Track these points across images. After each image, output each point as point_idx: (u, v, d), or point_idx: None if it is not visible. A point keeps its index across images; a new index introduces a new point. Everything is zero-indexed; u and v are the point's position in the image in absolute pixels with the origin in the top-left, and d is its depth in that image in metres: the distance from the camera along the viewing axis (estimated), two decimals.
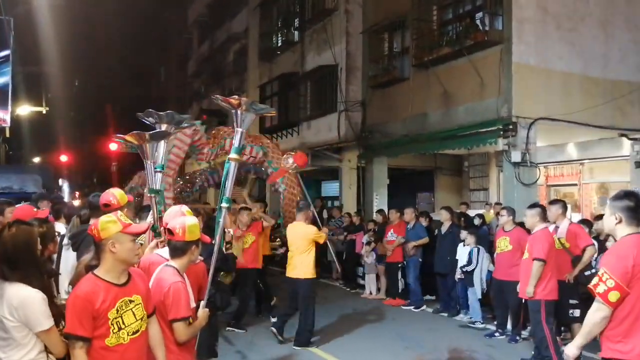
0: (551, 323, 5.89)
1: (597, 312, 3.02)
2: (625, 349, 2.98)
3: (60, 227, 5.32)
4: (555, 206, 6.57)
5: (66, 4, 24.77)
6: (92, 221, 4.44)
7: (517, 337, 7.12)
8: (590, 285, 3.07)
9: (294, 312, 7.11)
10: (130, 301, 2.82)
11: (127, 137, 4.31)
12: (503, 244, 7.12)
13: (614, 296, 2.95)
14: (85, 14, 31.66)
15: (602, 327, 3.04)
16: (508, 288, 7.06)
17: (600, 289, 2.97)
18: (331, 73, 15.09)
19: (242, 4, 21.63)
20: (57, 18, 25.58)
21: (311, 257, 6.90)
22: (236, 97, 3.95)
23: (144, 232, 3.21)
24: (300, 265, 6.85)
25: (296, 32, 17.34)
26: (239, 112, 3.91)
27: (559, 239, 6.34)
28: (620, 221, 3.12)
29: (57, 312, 2.81)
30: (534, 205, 6.24)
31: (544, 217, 6.06)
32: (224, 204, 3.88)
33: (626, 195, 3.19)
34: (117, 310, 2.75)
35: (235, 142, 3.96)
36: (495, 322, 7.56)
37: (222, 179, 4.05)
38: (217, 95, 3.99)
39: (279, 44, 18.32)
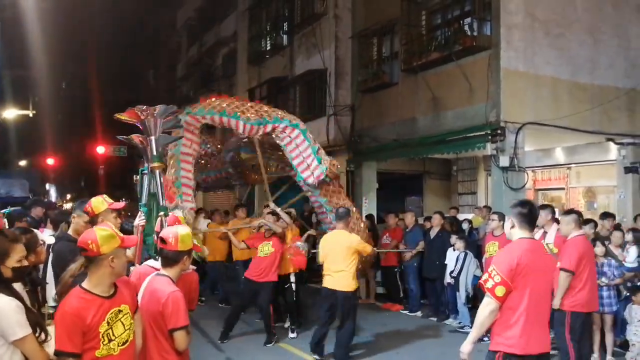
0: (576, 337, 5.53)
1: (487, 306, 3.34)
2: (509, 342, 3.32)
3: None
4: (544, 211, 6.53)
5: (55, 8, 24.62)
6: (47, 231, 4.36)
7: None
8: (481, 281, 3.37)
9: (327, 326, 6.57)
10: (119, 311, 2.81)
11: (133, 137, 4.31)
12: (492, 248, 7.12)
13: (500, 291, 3.27)
14: (73, 17, 31.45)
15: (492, 320, 3.35)
16: None
17: (489, 284, 3.30)
18: (320, 77, 15.08)
19: (231, 7, 21.58)
20: (45, 21, 25.40)
21: (353, 268, 6.38)
22: (137, 108, 3.99)
23: (135, 245, 3.22)
24: (341, 276, 6.29)
25: (285, 36, 17.33)
26: (146, 122, 3.96)
27: (547, 244, 6.31)
28: (513, 226, 3.50)
29: (35, 321, 2.75)
30: (570, 212, 5.96)
31: (580, 224, 5.75)
32: (161, 213, 3.92)
33: (520, 203, 3.56)
34: (108, 323, 2.74)
35: (153, 150, 4.02)
36: None
37: (159, 188, 4.10)
38: (117, 115, 4.16)
39: (268, 48, 18.30)
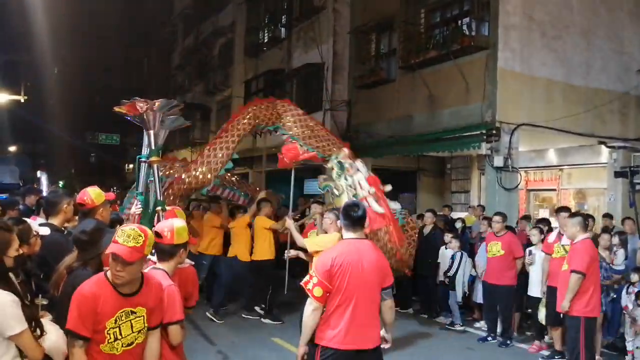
0: (590, 344, 5.49)
1: (308, 306, 3.43)
2: (326, 336, 3.41)
3: (38, 222, 5.20)
4: (564, 214, 6.45)
5: None
6: (51, 219, 4.24)
7: (508, 342, 7.20)
8: (302, 282, 3.50)
9: None
10: (132, 312, 2.77)
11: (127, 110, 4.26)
12: (495, 248, 7.22)
13: (318, 291, 3.39)
14: (67, 2, 31.13)
15: (315, 319, 3.42)
16: (499, 292, 7.17)
17: (310, 285, 3.43)
18: (317, 71, 15.10)
19: None
20: (38, 6, 25.15)
21: None
22: (136, 101, 4.01)
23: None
24: None
25: (283, 29, 17.32)
26: (145, 116, 3.98)
27: (563, 245, 6.26)
28: (341, 227, 3.63)
29: (31, 315, 2.71)
30: (575, 214, 5.90)
31: (585, 227, 5.69)
32: (158, 208, 3.93)
33: (344, 206, 3.67)
34: (115, 321, 2.72)
35: (152, 145, 4.06)
36: (486, 327, 7.63)
37: (157, 182, 4.10)
38: (116, 108, 4.11)
39: (266, 40, 18.28)
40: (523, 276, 7.41)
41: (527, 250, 7.20)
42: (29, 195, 7.82)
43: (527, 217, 10.33)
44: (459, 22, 11.12)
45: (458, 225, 9.77)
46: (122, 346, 2.74)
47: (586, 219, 5.95)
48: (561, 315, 5.63)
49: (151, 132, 4.03)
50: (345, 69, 14.52)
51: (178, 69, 28.62)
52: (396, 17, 12.43)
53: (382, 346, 3.62)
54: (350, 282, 3.39)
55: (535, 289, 6.99)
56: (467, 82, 10.64)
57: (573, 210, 6.89)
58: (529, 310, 8.03)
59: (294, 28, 16.54)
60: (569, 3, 11.13)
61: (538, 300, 6.86)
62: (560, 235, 6.42)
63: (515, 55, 10.44)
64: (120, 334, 2.72)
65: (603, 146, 11.55)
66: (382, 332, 3.60)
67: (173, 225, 3.22)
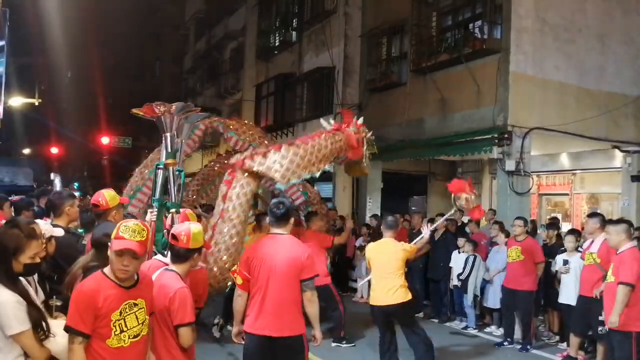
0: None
1: (235, 292, 4.01)
2: (246, 322, 3.88)
3: (48, 223, 5.23)
4: (593, 219, 6.19)
5: None
6: (55, 220, 4.27)
7: (528, 347, 7.11)
8: (234, 268, 4.09)
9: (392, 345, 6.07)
10: (135, 304, 2.82)
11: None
12: (515, 253, 7.15)
13: (239, 279, 3.95)
14: (80, 6, 31.44)
15: (240, 304, 3.94)
16: (519, 297, 7.10)
17: (236, 274, 4.00)
18: (328, 75, 15.11)
19: (241, 1, 21.57)
20: (52, 10, 25.43)
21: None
22: (154, 104, 4.05)
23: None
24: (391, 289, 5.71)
25: (294, 33, 17.35)
26: (162, 119, 4.02)
27: (590, 253, 6.00)
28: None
29: (37, 318, 2.73)
30: (619, 221, 5.55)
31: (631, 235, 5.33)
32: (173, 210, 3.96)
33: (270, 204, 4.08)
34: (121, 313, 2.76)
35: (168, 147, 4.12)
36: (503, 332, 7.59)
37: (171, 185, 4.13)
38: (134, 110, 4.25)
39: (277, 44, 18.31)
40: (542, 283, 7.35)
41: (561, 259, 6.95)
42: (43, 197, 7.88)
43: (533, 221, 10.24)
44: (471, 25, 11.06)
45: (468, 229, 9.70)
46: (129, 338, 2.78)
47: (631, 226, 5.61)
48: (600, 330, 5.25)
49: (167, 134, 4.07)
50: (356, 73, 14.51)
51: (189, 73, 28.79)
52: (407, 20, 12.39)
53: (311, 344, 3.96)
54: (262, 273, 3.79)
55: (567, 296, 6.77)
56: (478, 85, 10.58)
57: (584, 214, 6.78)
58: (541, 317, 8.00)
59: (305, 32, 16.56)
60: (582, 6, 11.04)
61: (572, 308, 6.57)
62: (591, 242, 6.13)
63: (527, 59, 10.36)
64: (126, 326, 2.77)
65: (617, 150, 11.45)
66: (313, 331, 3.94)
67: (190, 229, 3.25)
